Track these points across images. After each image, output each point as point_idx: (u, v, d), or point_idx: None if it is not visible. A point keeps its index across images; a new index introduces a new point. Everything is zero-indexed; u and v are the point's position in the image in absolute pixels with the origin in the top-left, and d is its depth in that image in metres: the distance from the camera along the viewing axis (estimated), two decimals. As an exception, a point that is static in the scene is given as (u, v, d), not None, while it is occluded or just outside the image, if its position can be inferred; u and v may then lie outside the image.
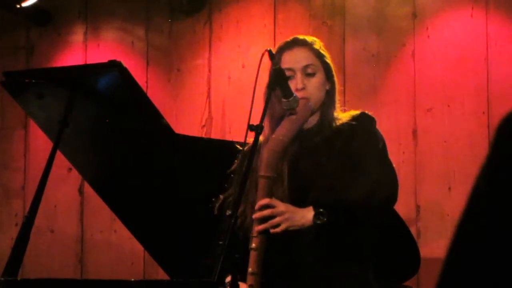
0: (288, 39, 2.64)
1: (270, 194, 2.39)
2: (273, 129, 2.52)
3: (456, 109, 4.27)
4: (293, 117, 2.44)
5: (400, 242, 3.11)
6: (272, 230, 2.36)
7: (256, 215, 2.36)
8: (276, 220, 2.36)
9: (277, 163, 2.40)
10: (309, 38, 2.63)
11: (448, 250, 1.03)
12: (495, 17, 4.25)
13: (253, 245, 2.34)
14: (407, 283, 3.32)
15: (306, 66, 2.55)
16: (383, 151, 2.55)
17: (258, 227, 2.35)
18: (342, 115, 2.58)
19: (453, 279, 1.03)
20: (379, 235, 2.61)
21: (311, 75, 2.55)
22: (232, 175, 2.61)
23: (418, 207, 4.29)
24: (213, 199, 2.66)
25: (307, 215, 2.39)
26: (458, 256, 1.02)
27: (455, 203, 4.15)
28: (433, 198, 4.27)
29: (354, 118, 2.55)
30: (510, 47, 4.21)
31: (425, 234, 4.24)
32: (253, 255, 2.33)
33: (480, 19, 4.27)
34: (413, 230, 3.98)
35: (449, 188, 4.23)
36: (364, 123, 2.55)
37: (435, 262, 3.63)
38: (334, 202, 2.41)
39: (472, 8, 4.30)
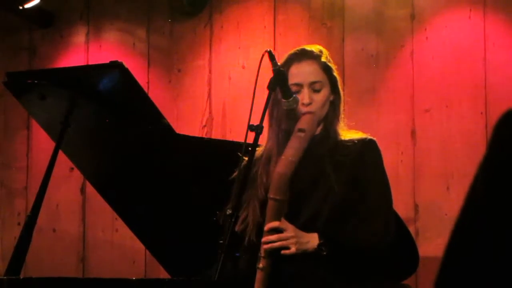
0: (296, 50, 2.62)
1: (279, 217, 2.41)
2: (278, 141, 2.54)
3: (454, 110, 4.28)
4: (301, 134, 2.44)
5: (399, 241, 3.12)
6: (283, 252, 2.39)
7: (265, 238, 2.40)
8: (286, 243, 2.40)
9: (287, 185, 2.41)
10: (316, 49, 2.62)
11: (446, 249, 1.04)
12: (493, 19, 4.26)
13: (261, 265, 2.37)
14: (405, 282, 3.34)
15: (314, 83, 2.56)
16: (389, 192, 2.58)
17: (267, 246, 2.38)
18: (347, 133, 2.60)
19: (451, 278, 1.04)
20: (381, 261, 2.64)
21: (318, 91, 2.57)
22: (234, 183, 2.61)
23: (416, 207, 4.30)
24: (218, 212, 2.66)
25: (312, 241, 2.43)
26: (456, 255, 1.03)
27: (453, 202, 4.16)
28: (431, 197, 4.28)
29: (363, 143, 2.55)
30: (508, 48, 4.22)
31: (423, 233, 4.25)
32: (259, 275, 2.38)
33: (478, 21, 4.28)
34: (411, 229, 3.99)
35: (448, 188, 4.24)
36: (374, 154, 2.56)
37: (433, 261, 3.64)
38: (337, 239, 2.45)
39: (470, 10, 4.31)
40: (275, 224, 2.39)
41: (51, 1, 5.19)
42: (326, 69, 2.59)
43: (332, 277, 2.48)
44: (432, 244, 4.09)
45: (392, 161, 4.13)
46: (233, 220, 2.31)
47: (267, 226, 2.39)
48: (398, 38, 4.45)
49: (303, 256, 2.44)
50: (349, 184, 2.49)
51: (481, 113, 4.21)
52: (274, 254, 2.40)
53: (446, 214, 4.19)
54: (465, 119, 4.25)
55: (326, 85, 2.58)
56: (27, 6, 4.95)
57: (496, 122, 1.04)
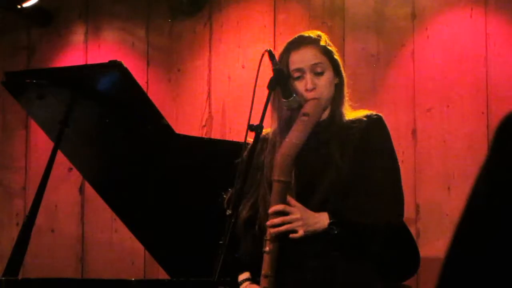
0: (294, 38, 2.62)
1: (284, 199, 2.39)
2: (281, 132, 2.52)
3: (456, 109, 4.28)
4: (305, 118, 2.43)
5: (400, 241, 3.12)
6: (292, 235, 2.37)
7: (270, 221, 2.38)
8: (291, 226, 2.38)
9: (291, 167, 2.41)
10: (314, 34, 2.61)
11: (448, 250, 1.03)
12: (494, 18, 4.26)
13: (267, 248, 2.36)
14: (406, 283, 3.33)
15: (315, 65, 2.54)
16: (398, 167, 2.57)
17: (273, 230, 2.37)
18: (352, 113, 2.59)
19: (452, 279, 1.03)
20: (386, 243, 2.63)
21: (320, 74, 2.54)
22: (238, 172, 2.60)
23: (417, 207, 4.30)
24: (223, 193, 2.65)
25: (322, 221, 2.40)
26: (458, 256, 1.03)
27: (454, 203, 4.15)
28: (432, 198, 4.27)
29: (369, 120, 2.54)
30: (509, 47, 4.22)
31: (424, 234, 4.24)
32: (266, 258, 2.36)
33: (479, 20, 4.28)
34: (412, 230, 3.98)
35: (449, 188, 4.23)
36: (380, 130, 2.56)
37: (434, 262, 3.64)
38: (348, 217, 2.43)
39: (471, 9, 4.30)
40: (280, 206, 2.38)
41: (50, 0, 5.19)
42: (326, 52, 2.57)
43: (340, 261, 2.46)
44: (433, 244, 4.09)
45: (393, 161, 4.12)
46: (233, 220, 2.29)
47: (272, 209, 2.38)
48: (399, 37, 4.44)
49: (312, 238, 2.42)
50: (357, 164, 2.46)
51: (482, 113, 4.21)
52: (280, 237, 2.38)
53: (447, 214, 4.18)
54: (466, 118, 4.24)
55: (328, 67, 2.56)
56: (25, 5, 4.94)
57: (497, 125, 1.03)
